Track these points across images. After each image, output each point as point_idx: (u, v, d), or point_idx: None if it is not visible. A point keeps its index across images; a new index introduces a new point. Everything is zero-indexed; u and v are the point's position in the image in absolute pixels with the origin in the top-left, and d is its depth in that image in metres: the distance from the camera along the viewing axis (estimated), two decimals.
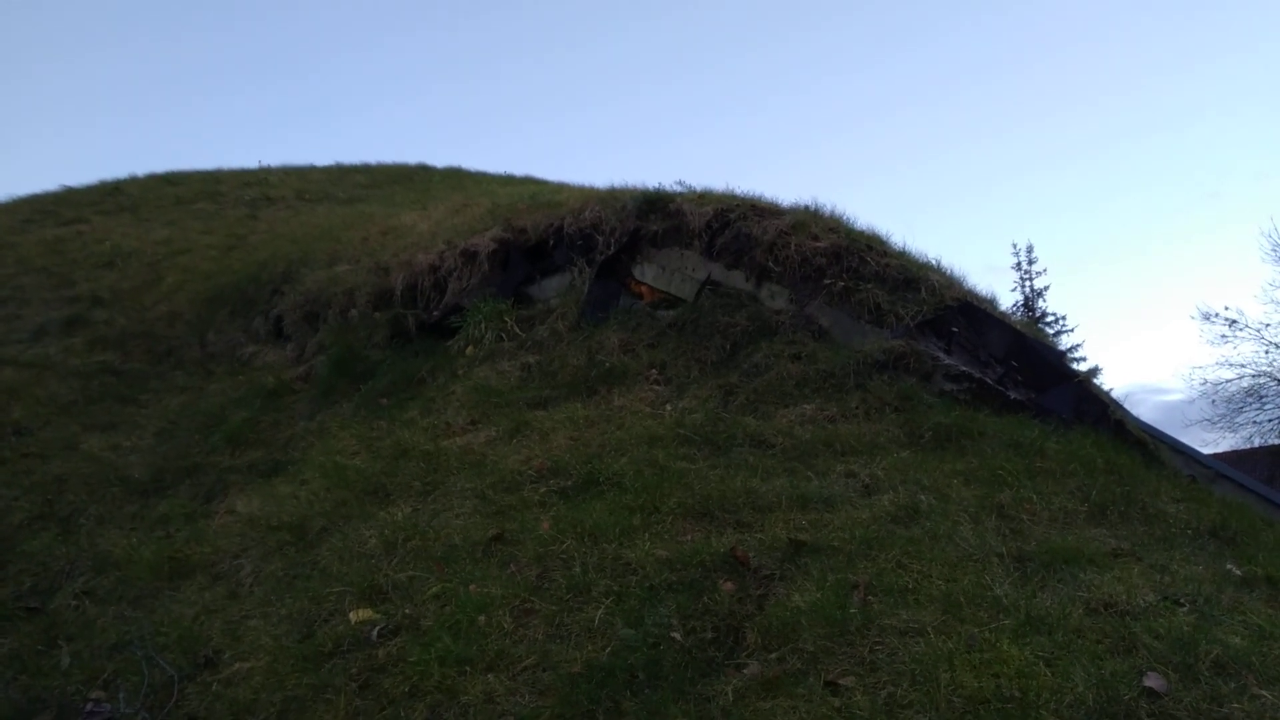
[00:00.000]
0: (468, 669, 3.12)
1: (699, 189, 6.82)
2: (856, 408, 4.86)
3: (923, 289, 5.45)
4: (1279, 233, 24.64)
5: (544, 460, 4.67)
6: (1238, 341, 22.36)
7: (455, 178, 14.11)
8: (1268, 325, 21.88)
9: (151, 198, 13.54)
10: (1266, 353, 21.72)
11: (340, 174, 14.64)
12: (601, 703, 2.85)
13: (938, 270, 5.78)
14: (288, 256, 9.19)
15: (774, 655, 3.00)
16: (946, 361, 5.19)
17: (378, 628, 3.50)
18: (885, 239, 5.94)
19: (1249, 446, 21.76)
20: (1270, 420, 21.80)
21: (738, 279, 6.03)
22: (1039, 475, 4.33)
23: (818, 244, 5.72)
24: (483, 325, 6.58)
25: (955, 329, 5.44)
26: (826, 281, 5.59)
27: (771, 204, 6.29)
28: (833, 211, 6.14)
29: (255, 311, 8.61)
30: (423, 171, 14.81)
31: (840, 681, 2.81)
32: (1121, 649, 2.86)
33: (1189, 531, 4.08)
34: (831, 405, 4.90)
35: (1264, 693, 2.66)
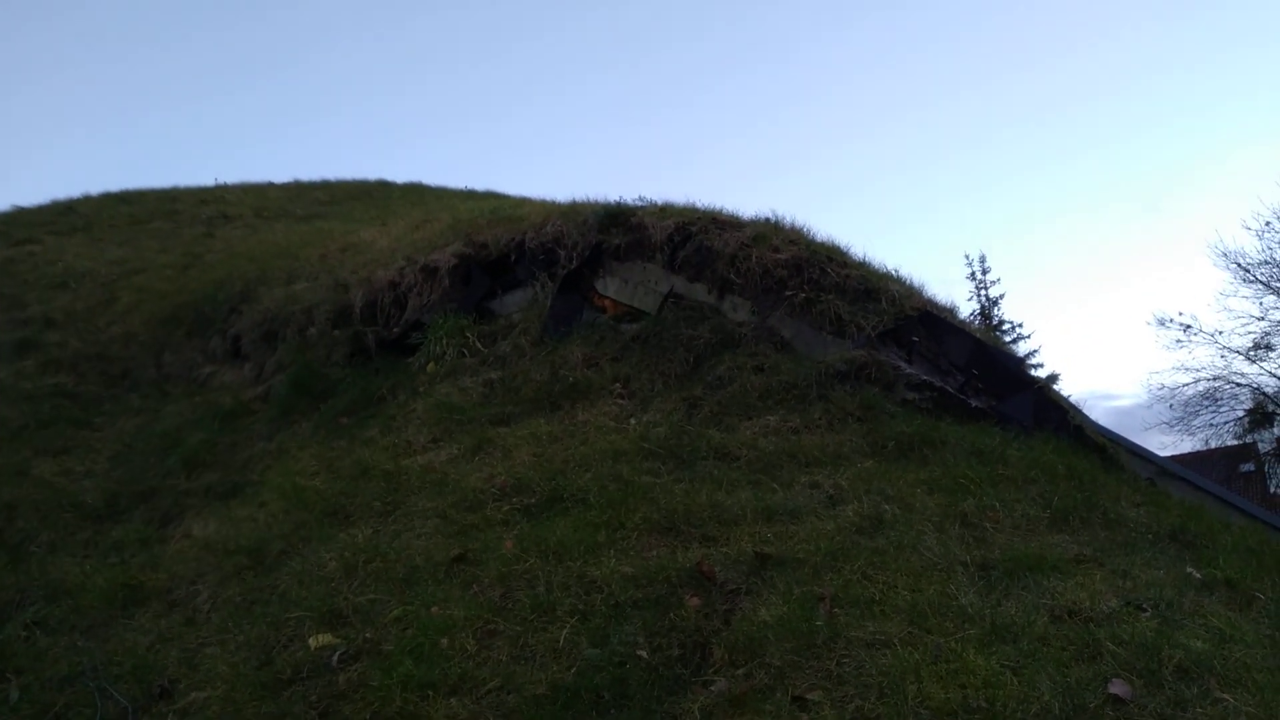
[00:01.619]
0: (430, 693, 3.06)
1: (660, 203, 6.82)
2: (819, 418, 4.86)
3: (883, 299, 5.48)
4: (1225, 243, 25.26)
5: (507, 478, 4.62)
6: (1192, 346, 22.82)
7: (415, 193, 14.02)
8: (1221, 331, 22.35)
9: (105, 217, 13.30)
10: (1222, 357, 22.19)
11: (298, 191, 14.48)
12: None
13: (897, 280, 5.82)
14: (245, 275, 9.06)
15: (741, 671, 2.97)
16: (908, 371, 5.22)
17: (338, 653, 3.42)
18: (845, 250, 5.97)
19: (1206, 449, 22.17)
20: (1225, 423, 22.25)
21: (700, 292, 6.02)
22: (1001, 483, 4.35)
23: (778, 256, 5.73)
24: (444, 341, 6.52)
25: (916, 338, 5.47)
26: (788, 293, 5.60)
27: (732, 217, 6.30)
28: (793, 224, 6.17)
29: (212, 331, 8.47)
30: (382, 187, 14.69)
31: (808, 696, 2.78)
32: (1086, 656, 2.86)
33: (1149, 536, 4.12)
34: (795, 416, 4.90)
35: (1226, 696, 2.68)
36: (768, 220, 6.18)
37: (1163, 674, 2.76)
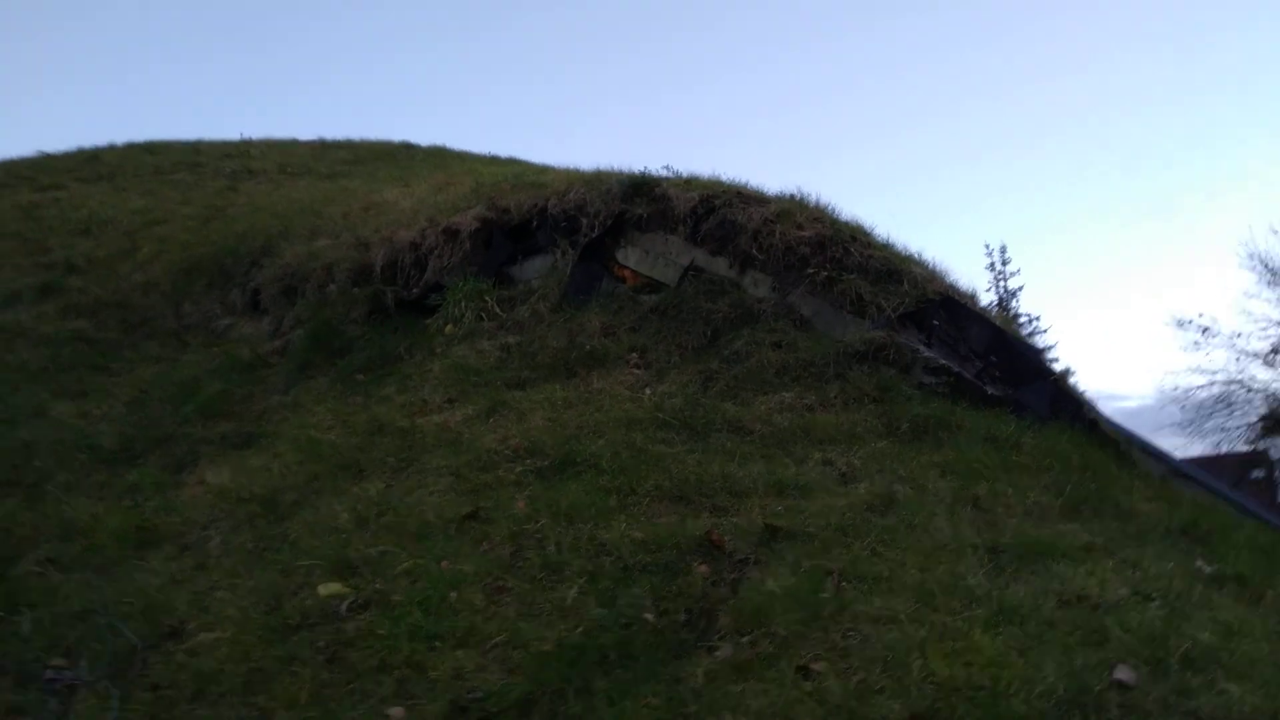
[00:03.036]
0: (437, 645, 3.09)
1: (685, 174, 6.79)
2: (835, 397, 4.85)
3: (905, 281, 5.45)
4: (1255, 242, 24.93)
5: (520, 440, 4.64)
6: (1210, 349, 22.60)
7: (439, 156, 13.99)
8: (1239, 335, 22.13)
9: (130, 166, 13.33)
10: (1238, 360, 21.98)
11: (323, 149, 14.48)
12: (572, 682, 2.83)
13: (919, 263, 5.79)
14: (267, 230, 9.08)
15: (746, 639, 2.99)
16: (926, 354, 5.20)
17: (347, 602, 3.46)
18: (869, 230, 5.93)
19: (1216, 453, 22.02)
20: (1238, 427, 22.08)
21: (721, 265, 6.00)
22: (1015, 469, 4.34)
23: (802, 233, 5.70)
24: (463, 304, 6.53)
25: (936, 322, 5.44)
26: (809, 271, 5.58)
27: (757, 192, 6.26)
28: (818, 201, 6.13)
29: (232, 284, 8.50)
30: (406, 149, 14.66)
31: (812, 666, 2.80)
32: (1092, 641, 2.86)
33: (1160, 529, 4.11)
34: (811, 394, 4.89)
35: (1231, 687, 2.68)
36: (792, 197, 6.14)
37: (1169, 663, 2.76)
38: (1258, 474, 21.77)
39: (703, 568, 3.39)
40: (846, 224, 5.91)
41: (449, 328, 6.47)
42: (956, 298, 5.56)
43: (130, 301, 8.55)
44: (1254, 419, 22.00)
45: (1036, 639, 2.85)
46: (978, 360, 5.36)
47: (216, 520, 4.49)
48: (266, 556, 3.98)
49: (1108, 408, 6.97)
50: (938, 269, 5.83)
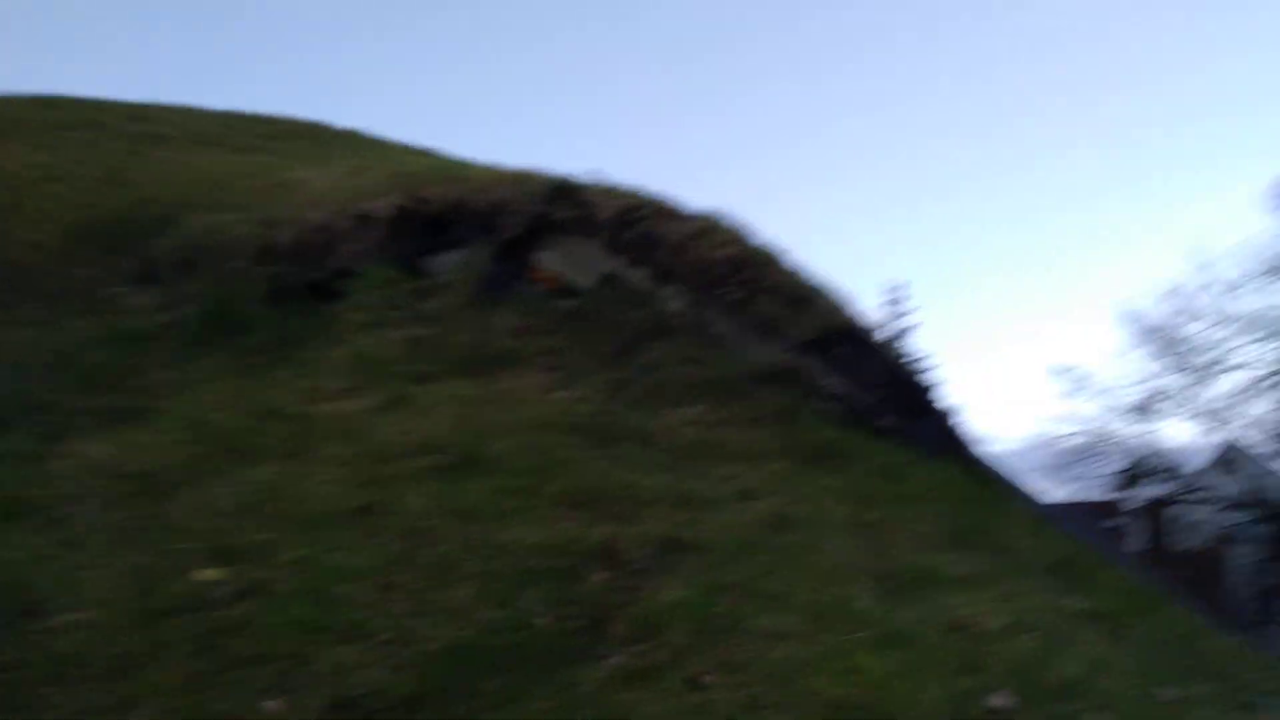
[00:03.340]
0: (321, 638, 2.98)
1: (609, 183, 6.79)
2: (741, 415, 4.92)
3: (812, 309, 5.59)
4: (1129, 304, 26.34)
5: (422, 435, 4.54)
6: (1081, 399, 23.69)
7: (355, 141, 13.65)
8: (1108, 389, 23.29)
9: (25, 119, 12.57)
10: (1106, 413, 23.14)
11: (236, 121, 13.93)
12: (461, 683, 2.78)
13: (827, 292, 5.93)
14: (169, 198, 8.68)
15: (639, 648, 2.99)
16: (828, 382, 5.32)
17: (226, 589, 3.32)
18: (782, 255, 6.05)
19: (1076, 500, 23.12)
20: (1098, 477, 23.20)
21: (639, 277, 6.02)
22: (905, 499, 4.48)
23: (720, 252, 5.78)
24: (372, 292, 6.37)
25: (839, 351, 5.59)
26: (725, 290, 5.66)
27: (679, 207, 6.32)
28: (736, 222, 6.21)
29: (127, 251, 8.08)
30: (322, 130, 14.24)
31: (703, 679, 2.81)
32: (972, 667, 2.97)
33: (1036, 564, 4.30)
34: (718, 410, 4.94)
35: (1095, 716, 2.81)
36: (712, 215, 6.22)
37: (1041, 691, 2.88)
38: (1114, 523, 22.93)
39: (601, 575, 3.37)
40: (761, 247, 6.02)
41: (354, 315, 6.30)
42: (859, 329, 5.73)
43: (14, 259, 8.05)
44: (1114, 470, 23.18)
45: (920, 663, 2.94)
46: (875, 391, 5.52)
47: (89, 495, 4.25)
48: (141, 537, 3.78)
49: (990, 448, 7.28)
50: (843, 299, 5.99)
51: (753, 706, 2.68)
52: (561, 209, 6.38)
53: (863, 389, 5.56)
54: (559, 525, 3.71)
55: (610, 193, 6.50)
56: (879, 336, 6.41)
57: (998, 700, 2.75)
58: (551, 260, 6.36)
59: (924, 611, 3.30)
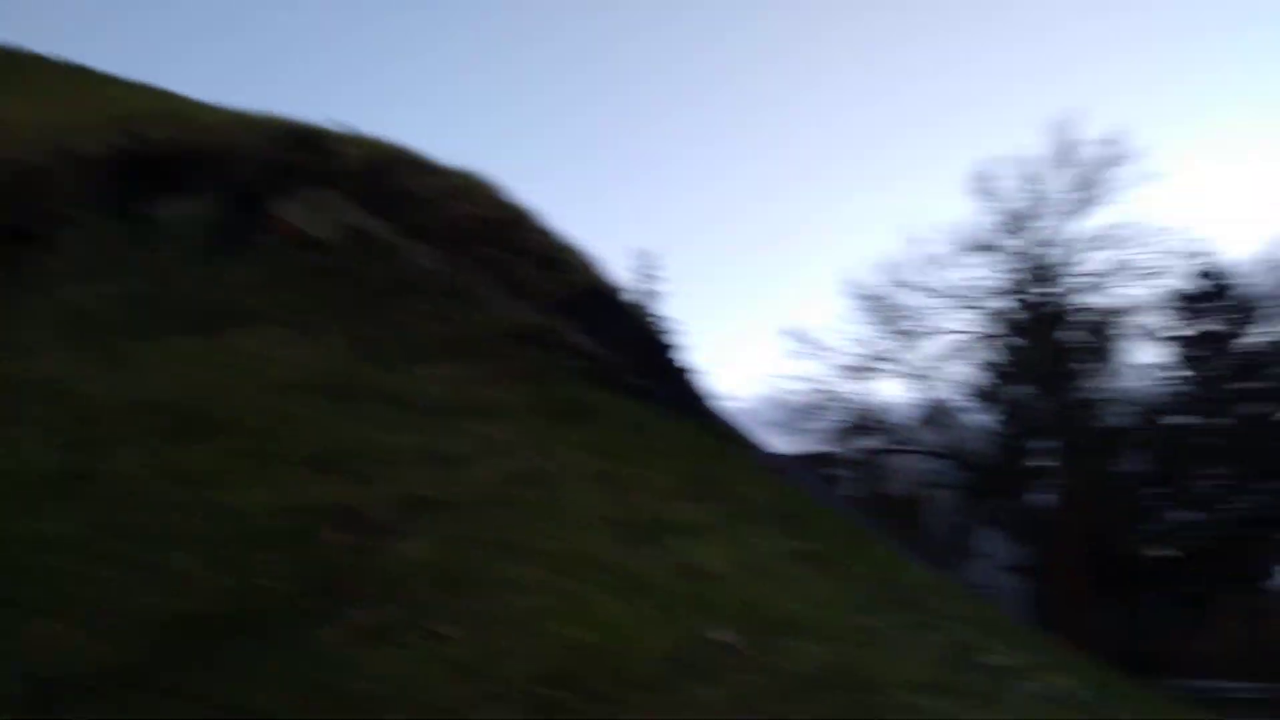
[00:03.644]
0: (24, 610, 2.71)
1: (359, 133, 6.52)
2: (492, 374, 4.93)
3: (566, 270, 5.69)
4: (850, 273, 28.76)
5: (139, 395, 4.19)
6: (810, 360, 25.78)
7: (70, 74, 12.15)
8: (832, 350, 25.48)
9: None
10: (830, 372, 25.32)
11: None
12: (189, 653, 2.62)
13: (580, 255, 6.06)
14: None
15: (381, 607, 2.95)
16: (578, 341, 5.45)
17: None
18: (537, 216, 6.09)
19: (804, 452, 25.20)
20: (822, 431, 25.41)
21: (389, 231, 5.85)
22: (648, 453, 4.71)
23: (475, 210, 5.74)
24: (83, 241, 5.75)
25: (590, 312, 5.73)
26: (479, 248, 5.62)
27: (434, 162, 6.18)
28: (490, 181, 6.18)
29: None
30: (27, 58, 12.55)
31: (446, 632, 2.83)
32: (701, 608, 3.19)
33: (764, 512, 4.66)
34: (469, 368, 4.92)
35: (813, 647, 3.11)
36: (467, 173, 6.14)
37: (762, 626, 3.15)
38: (834, 472, 25.20)
39: (340, 536, 3.29)
40: (517, 207, 6.03)
41: (63, 265, 5.67)
42: (610, 291, 5.90)
43: None
44: (835, 424, 25.46)
45: (656, 606, 3.12)
46: (623, 351, 5.72)
47: None
48: None
49: (726, 405, 7.78)
50: (594, 262, 6.14)
51: (494, 655, 2.73)
52: (305, 157, 6.05)
53: (611, 349, 5.74)
54: (295, 487, 3.57)
55: (359, 143, 6.25)
56: (628, 299, 6.63)
57: (721, 636, 2.98)
58: (292, 211, 6.03)
59: (658, 557, 3.50)
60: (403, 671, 2.65)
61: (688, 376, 6.20)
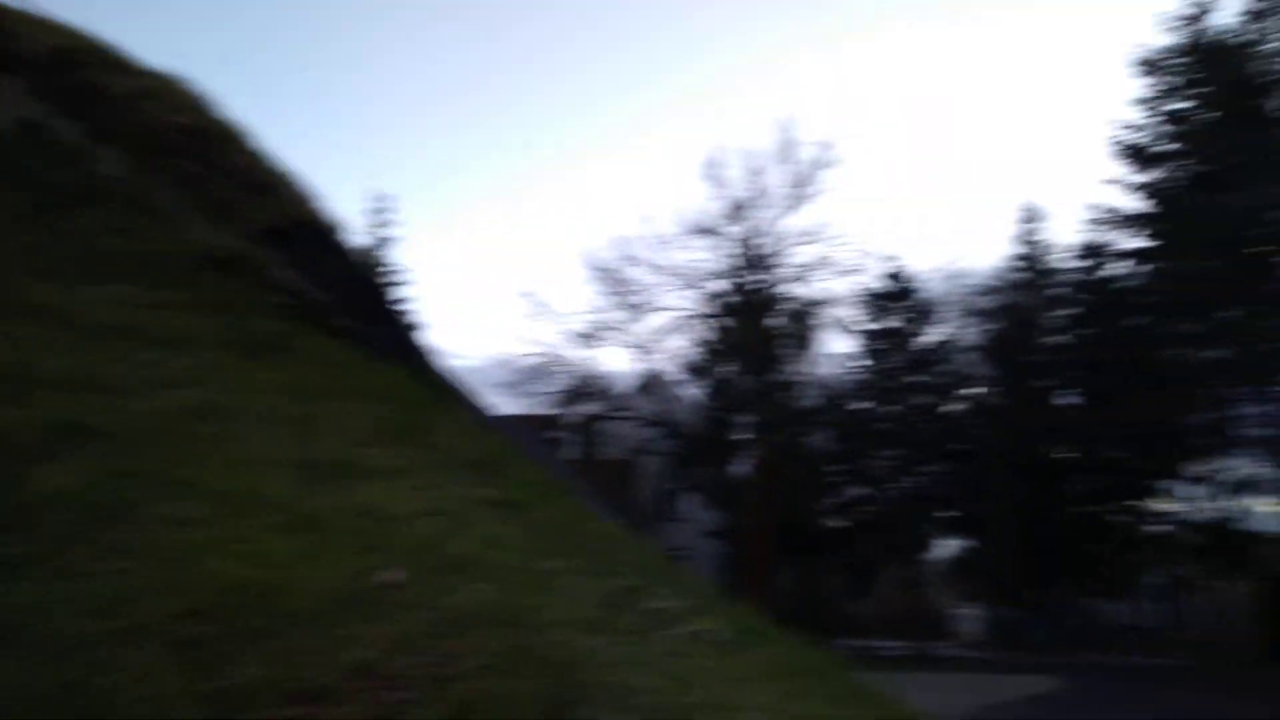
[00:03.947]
0: None
1: (45, 17, 5.78)
2: (178, 300, 4.60)
3: (276, 197, 5.40)
4: (585, 245, 29.49)
5: None
6: (542, 323, 26.30)
7: None
8: (563, 316, 26.11)
9: None
10: (559, 337, 25.95)
11: None
12: None
13: (294, 182, 5.76)
14: None
15: (12, 537, 2.72)
16: (283, 275, 5.21)
17: None
18: (247, 134, 5.71)
19: (527, 413, 25.66)
20: (547, 394, 26.05)
21: (73, 131, 5.25)
22: (345, 396, 4.61)
23: (176, 118, 5.29)
24: None
25: (301, 246, 5.49)
26: (177, 161, 5.19)
27: (132, 60, 5.61)
28: (196, 89, 5.70)
29: None
30: None
31: (88, 566, 2.66)
32: (374, 548, 3.20)
33: (460, 461, 4.73)
34: (151, 292, 4.56)
35: (483, 586, 3.22)
36: (169, 76, 5.63)
37: (433, 566, 3.22)
38: (551, 435, 25.91)
39: None
40: (225, 121, 5.62)
41: None
42: (324, 226, 5.68)
43: None
44: (559, 388, 26.18)
45: (325, 545, 3.09)
46: (333, 290, 5.54)
47: None
48: None
49: (450, 361, 7.77)
50: (309, 193, 5.86)
51: (139, 590, 2.61)
52: None
53: (320, 286, 5.54)
54: None
55: (44, 27, 5.55)
56: (345, 237, 6.41)
57: (389, 575, 3.01)
58: None
59: (338, 499, 3.46)
60: (30, 606, 2.46)
61: (405, 325, 6.13)
